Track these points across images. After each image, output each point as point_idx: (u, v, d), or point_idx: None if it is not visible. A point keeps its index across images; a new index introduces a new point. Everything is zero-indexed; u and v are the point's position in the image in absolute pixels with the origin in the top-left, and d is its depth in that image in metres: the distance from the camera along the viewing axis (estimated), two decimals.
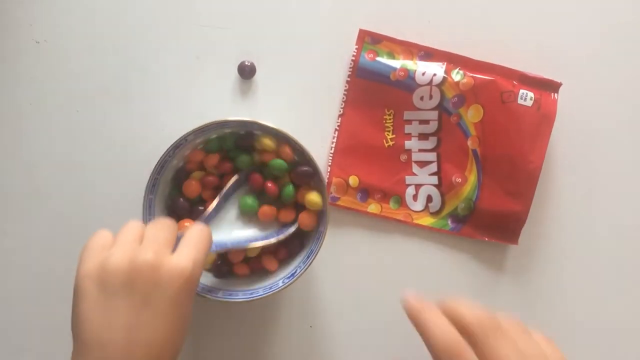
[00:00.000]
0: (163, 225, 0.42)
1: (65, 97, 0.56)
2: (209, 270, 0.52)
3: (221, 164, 0.52)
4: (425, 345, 0.37)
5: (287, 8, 0.56)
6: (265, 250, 0.52)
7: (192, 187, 0.51)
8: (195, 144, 0.50)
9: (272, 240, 0.49)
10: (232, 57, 0.56)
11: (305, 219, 0.51)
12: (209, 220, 0.49)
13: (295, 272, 0.49)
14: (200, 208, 0.51)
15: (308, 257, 0.49)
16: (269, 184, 0.51)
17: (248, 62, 0.55)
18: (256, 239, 0.49)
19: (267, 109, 0.55)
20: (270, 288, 0.49)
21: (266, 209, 0.51)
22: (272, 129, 0.48)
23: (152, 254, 0.38)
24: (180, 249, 0.40)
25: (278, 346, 0.57)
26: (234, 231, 0.50)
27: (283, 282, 0.49)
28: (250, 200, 0.51)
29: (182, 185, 0.51)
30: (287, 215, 0.51)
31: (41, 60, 0.56)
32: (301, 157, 0.50)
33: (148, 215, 0.49)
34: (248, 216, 0.51)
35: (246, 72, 0.55)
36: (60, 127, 0.56)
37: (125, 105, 0.56)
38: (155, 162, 0.48)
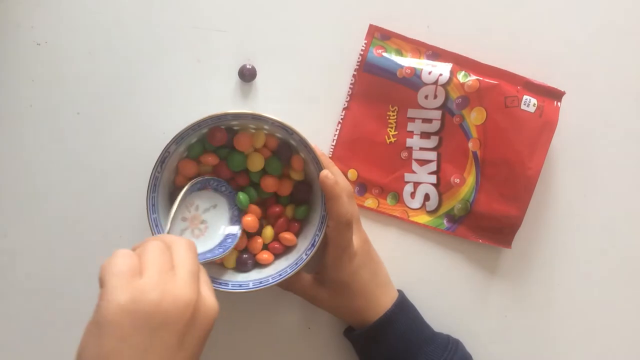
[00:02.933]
0: (189, 248, 0.39)
1: (66, 99, 0.56)
2: (233, 268, 0.53)
3: (218, 165, 0.52)
4: (330, 209, 0.48)
5: (289, 7, 0.56)
6: (278, 230, 0.53)
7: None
8: (180, 154, 0.50)
9: (219, 255, 0.49)
10: (233, 60, 0.56)
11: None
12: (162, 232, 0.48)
13: (315, 241, 0.50)
14: None
15: (322, 223, 0.50)
16: (277, 209, 0.52)
17: (249, 65, 0.55)
18: (203, 255, 0.49)
19: (268, 111, 0.54)
20: (297, 264, 0.50)
21: (250, 221, 0.51)
22: (270, 118, 0.48)
23: (193, 292, 0.36)
24: (207, 285, 0.38)
25: (277, 347, 0.57)
26: None
27: (306, 254, 0.50)
28: (243, 197, 0.51)
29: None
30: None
31: (42, 62, 0.55)
32: (300, 145, 0.50)
33: (152, 213, 0.49)
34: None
35: (246, 75, 0.55)
36: (61, 129, 0.56)
37: (126, 108, 0.56)
38: (154, 163, 0.48)
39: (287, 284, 0.52)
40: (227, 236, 0.51)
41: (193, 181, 0.50)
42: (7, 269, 0.56)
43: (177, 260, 0.38)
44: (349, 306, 0.51)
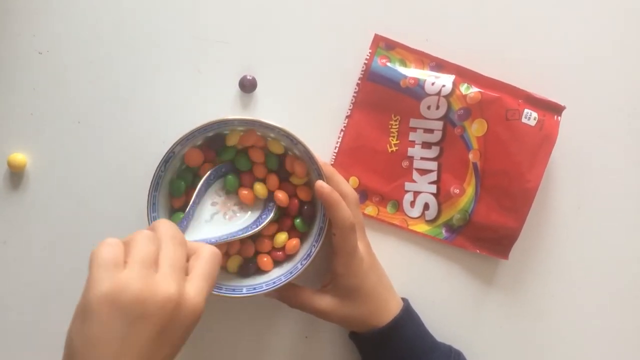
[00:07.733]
0: (177, 242, 0.39)
1: (67, 108, 0.56)
2: (234, 273, 0.53)
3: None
4: (332, 217, 0.49)
5: (290, 17, 0.56)
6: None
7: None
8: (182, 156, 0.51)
9: (252, 231, 0.50)
10: (234, 70, 0.56)
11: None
12: (187, 219, 0.48)
13: (311, 252, 0.51)
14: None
15: (319, 234, 0.51)
16: (280, 195, 0.52)
17: (249, 76, 0.55)
18: (235, 233, 0.50)
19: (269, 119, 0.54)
20: (291, 273, 0.51)
21: (245, 194, 0.52)
22: (275, 127, 0.49)
23: (174, 288, 0.36)
24: (195, 281, 0.38)
25: (273, 356, 0.57)
26: (212, 228, 0.50)
27: (301, 264, 0.51)
28: (233, 180, 0.52)
29: None
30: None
31: (43, 71, 0.56)
32: (304, 155, 0.51)
33: (152, 212, 0.49)
34: (225, 203, 0.52)
35: (247, 86, 0.55)
36: (62, 137, 0.56)
37: (126, 117, 0.56)
38: (158, 163, 0.49)
39: (294, 301, 0.52)
40: (263, 212, 0.52)
41: (213, 168, 0.51)
42: (7, 275, 0.56)
43: (162, 253, 0.38)
44: (359, 312, 0.51)
